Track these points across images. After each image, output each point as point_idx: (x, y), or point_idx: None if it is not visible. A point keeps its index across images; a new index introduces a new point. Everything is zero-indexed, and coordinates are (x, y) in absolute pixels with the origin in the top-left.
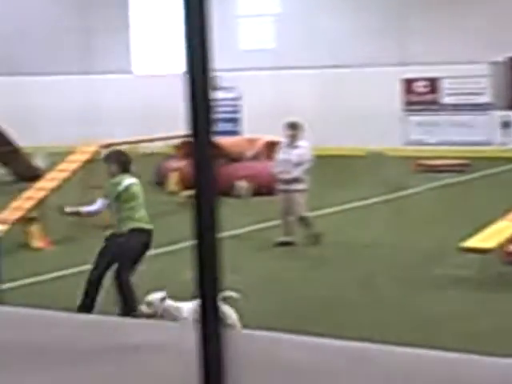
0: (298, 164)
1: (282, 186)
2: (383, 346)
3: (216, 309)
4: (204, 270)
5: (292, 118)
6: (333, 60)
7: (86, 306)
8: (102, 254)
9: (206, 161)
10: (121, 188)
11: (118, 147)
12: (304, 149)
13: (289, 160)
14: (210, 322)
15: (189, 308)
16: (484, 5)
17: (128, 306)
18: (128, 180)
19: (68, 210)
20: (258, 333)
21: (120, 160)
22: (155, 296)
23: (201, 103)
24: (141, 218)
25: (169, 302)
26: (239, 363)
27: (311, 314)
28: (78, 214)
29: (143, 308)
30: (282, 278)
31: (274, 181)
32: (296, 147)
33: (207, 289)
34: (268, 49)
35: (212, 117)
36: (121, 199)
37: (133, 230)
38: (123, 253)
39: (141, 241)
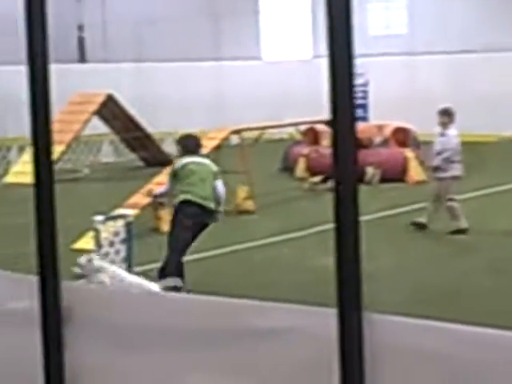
0: (439, 152)
1: (434, 174)
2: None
3: (356, 294)
4: (345, 255)
5: (444, 105)
6: (464, 45)
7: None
8: None
9: (349, 145)
10: (176, 166)
11: (249, 134)
12: (448, 137)
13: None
14: (349, 307)
15: (115, 272)
16: None
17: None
18: (186, 159)
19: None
20: (398, 319)
21: (184, 143)
22: (83, 258)
23: (344, 88)
24: (192, 192)
25: (97, 263)
26: (377, 349)
27: (443, 300)
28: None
29: (75, 269)
30: (416, 263)
31: (401, 167)
32: (442, 135)
33: (348, 274)
34: (397, 34)
35: (354, 102)
36: (177, 177)
37: (182, 203)
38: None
39: (188, 212)
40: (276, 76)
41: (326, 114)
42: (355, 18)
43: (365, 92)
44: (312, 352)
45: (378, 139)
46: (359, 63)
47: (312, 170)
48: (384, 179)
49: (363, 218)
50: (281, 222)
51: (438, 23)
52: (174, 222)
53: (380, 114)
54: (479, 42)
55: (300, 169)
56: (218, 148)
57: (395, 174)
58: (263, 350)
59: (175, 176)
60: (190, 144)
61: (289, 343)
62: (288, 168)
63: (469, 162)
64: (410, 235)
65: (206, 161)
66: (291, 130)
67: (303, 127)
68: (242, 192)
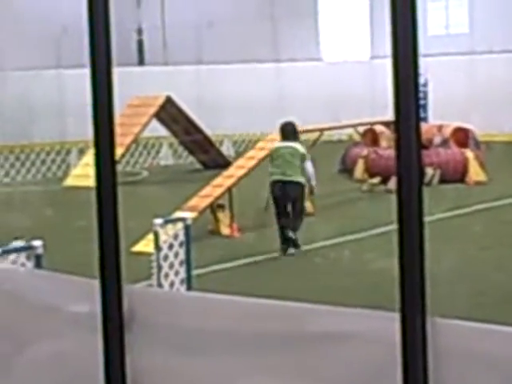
0: None
1: None
2: None
3: (420, 297)
4: (409, 258)
5: None
6: None
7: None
8: None
9: (413, 146)
10: (271, 150)
11: (308, 136)
12: None
13: None
14: (412, 311)
15: None
16: None
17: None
18: (278, 144)
19: None
20: (462, 323)
21: (282, 129)
22: None
23: (408, 89)
24: (275, 173)
25: None
26: (443, 354)
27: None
28: None
29: None
30: (480, 265)
31: (461, 168)
32: None
33: (412, 277)
34: (457, 34)
35: (418, 102)
36: (271, 159)
37: (271, 183)
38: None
39: (273, 190)
40: (335, 77)
41: (384, 115)
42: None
43: (424, 92)
44: (375, 357)
45: (437, 139)
46: (419, 63)
47: (371, 172)
48: (444, 180)
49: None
50: (340, 223)
51: (499, 22)
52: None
53: (440, 114)
54: None
55: (359, 170)
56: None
57: (455, 175)
58: (325, 355)
59: (270, 157)
60: (286, 130)
61: (352, 348)
62: (347, 169)
63: None
64: (472, 236)
65: (295, 145)
66: (350, 131)
67: (362, 128)
68: None
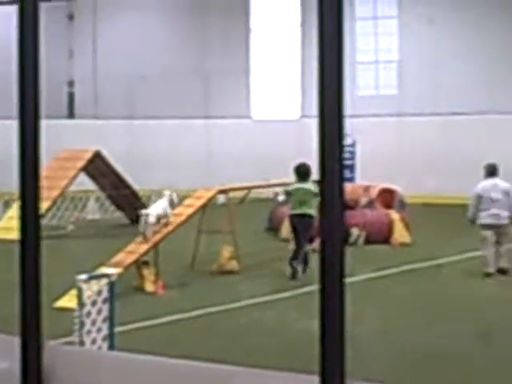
0: None
1: None
2: None
3: (339, 360)
4: (329, 319)
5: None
6: (455, 106)
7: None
8: None
9: (336, 207)
10: (289, 189)
11: (236, 193)
12: None
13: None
14: (331, 374)
15: None
16: None
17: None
18: (295, 184)
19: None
20: None
21: (297, 171)
22: None
23: (332, 149)
24: (295, 207)
25: None
26: None
27: (421, 365)
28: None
29: None
30: (391, 328)
31: (386, 229)
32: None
33: (332, 339)
34: (386, 95)
35: (342, 164)
36: (290, 196)
37: (290, 215)
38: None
39: (292, 221)
40: (264, 135)
41: (313, 175)
42: (345, 77)
43: (352, 153)
44: None
45: (364, 200)
46: (346, 123)
47: None
48: (369, 240)
49: (348, 280)
50: (265, 283)
51: (429, 85)
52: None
53: (367, 175)
54: (470, 104)
55: (285, 229)
56: (204, 207)
57: (380, 236)
58: None
59: (289, 195)
60: (300, 172)
61: None
62: (273, 228)
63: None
64: (395, 298)
65: (308, 185)
66: (278, 189)
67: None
68: (227, 252)
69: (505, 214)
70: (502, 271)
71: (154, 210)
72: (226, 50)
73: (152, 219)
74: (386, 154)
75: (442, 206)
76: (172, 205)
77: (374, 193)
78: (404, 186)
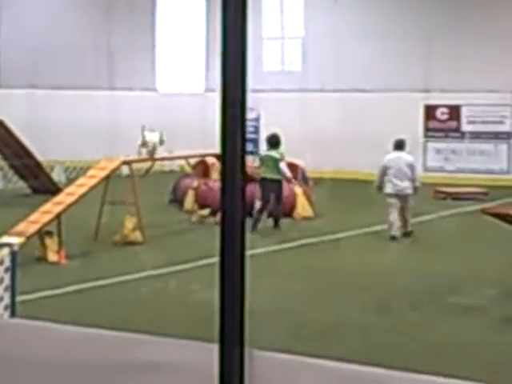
0: None
1: None
2: (393, 372)
3: (239, 329)
4: (229, 290)
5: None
6: (357, 84)
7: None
8: None
9: (237, 180)
10: (261, 156)
11: (140, 165)
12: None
13: None
14: (231, 342)
15: None
16: (510, 35)
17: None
18: (265, 152)
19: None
20: (278, 355)
21: (268, 140)
22: None
23: (234, 123)
24: (265, 172)
25: None
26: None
27: (323, 336)
28: None
29: None
30: (291, 300)
31: (290, 203)
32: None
33: (231, 310)
34: (291, 71)
35: (245, 137)
36: (261, 162)
37: (261, 179)
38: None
39: (262, 184)
40: (169, 108)
41: (216, 148)
42: (250, 53)
43: (256, 127)
44: None
45: None
46: (251, 98)
47: (201, 203)
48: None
49: (250, 253)
50: (168, 254)
51: (332, 61)
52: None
53: None
54: (373, 81)
55: (189, 201)
56: (107, 178)
57: (283, 209)
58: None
59: (261, 161)
60: (271, 141)
61: (170, 377)
62: (177, 200)
63: (352, 200)
64: (296, 270)
65: (274, 152)
66: (182, 162)
67: (194, 160)
68: (130, 223)
69: (408, 184)
70: (406, 234)
71: None
72: (131, 25)
73: None
74: (289, 129)
75: (345, 180)
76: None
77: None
78: (307, 161)
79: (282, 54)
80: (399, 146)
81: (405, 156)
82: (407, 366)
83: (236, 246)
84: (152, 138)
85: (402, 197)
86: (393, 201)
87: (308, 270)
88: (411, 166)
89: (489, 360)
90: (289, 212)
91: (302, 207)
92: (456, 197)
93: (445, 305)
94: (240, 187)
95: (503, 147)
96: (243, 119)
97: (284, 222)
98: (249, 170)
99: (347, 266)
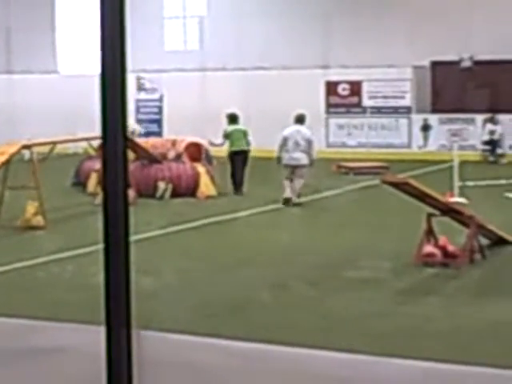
0: None
1: None
2: (287, 348)
3: (125, 311)
4: (113, 272)
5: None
6: (258, 62)
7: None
8: None
9: (118, 162)
10: (227, 130)
11: (41, 147)
12: None
13: None
14: (118, 324)
15: None
16: (408, 9)
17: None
18: (231, 127)
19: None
20: (169, 335)
21: (229, 117)
22: None
23: (114, 104)
24: (234, 145)
25: None
26: (148, 365)
27: (224, 315)
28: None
29: None
30: (194, 279)
31: (193, 182)
32: None
33: (117, 291)
34: (193, 50)
35: (126, 118)
36: (227, 136)
37: (230, 152)
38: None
39: (231, 155)
40: (71, 90)
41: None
42: (152, 33)
43: (159, 107)
44: (83, 369)
45: (171, 154)
46: (154, 78)
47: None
48: (176, 194)
49: (150, 234)
50: (69, 237)
51: (234, 40)
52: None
53: (174, 129)
54: (274, 58)
55: (92, 184)
56: (8, 162)
57: (187, 189)
58: (38, 369)
59: (226, 136)
60: (232, 117)
61: (61, 361)
62: (80, 183)
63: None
64: (192, 251)
65: (240, 126)
66: (85, 144)
67: (97, 142)
68: (32, 207)
69: (304, 156)
70: (296, 204)
71: None
72: (30, 7)
73: None
74: (192, 109)
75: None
76: None
77: (181, 147)
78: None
79: (185, 33)
80: (299, 119)
81: (303, 130)
82: (304, 341)
83: (119, 229)
84: None
85: (297, 167)
86: (288, 171)
87: (210, 249)
88: (308, 140)
89: (384, 331)
90: (192, 191)
91: (206, 186)
92: (358, 171)
93: (343, 279)
94: (122, 171)
95: (404, 122)
96: (123, 101)
97: (187, 201)
98: (153, 151)
99: (249, 243)
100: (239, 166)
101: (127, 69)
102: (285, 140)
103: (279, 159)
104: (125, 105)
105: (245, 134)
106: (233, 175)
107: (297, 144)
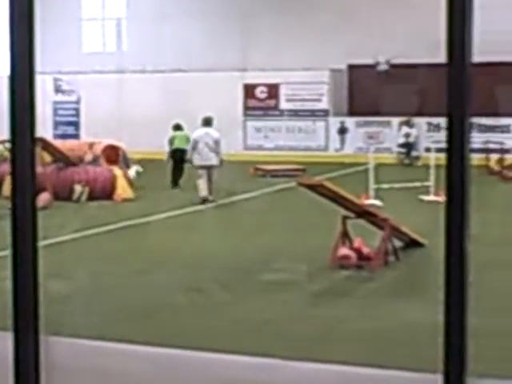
0: None
1: None
2: (200, 353)
3: (33, 316)
4: (21, 278)
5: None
6: (177, 64)
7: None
8: None
9: (26, 165)
10: (171, 135)
11: None
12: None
13: None
14: (25, 330)
15: None
16: (325, 13)
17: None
18: (175, 133)
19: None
20: (80, 341)
21: (174, 126)
22: None
23: (23, 106)
24: (177, 146)
25: None
26: (57, 371)
27: (136, 320)
28: None
29: None
30: (108, 284)
31: (110, 185)
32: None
33: (23, 297)
34: (112, 52)
35: (35, 121)
36: (172, 140)
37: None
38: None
39: (175, 156)
40: None
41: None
42: (70, 35)
43: (76, 109)
44: None
45: (88, 157)
46: (72, 80)
47: None
48: (93, 197)
49: (64, 238)
50: None
51: (153, 42)
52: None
53: (92, 132)
54: (194, 61)
55: (7, 187)
56: None
57: (103, 192)
58: None
59: (171, 140)
60: (176, 127)
61: None
62: None
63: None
64: (104, 255)
65: (184, 133)
66: (1, 147)
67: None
68: None
69: (213, 156)
70: (211, 201)
71: None
72: None
73: None
74: (110, 111)
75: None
76: None
77: (98, 149)
78: (127, 142)
79: (104, 35)
80: (207, 122)
81: (212, 132)
82: (217, 346)
83: (27, 233)
84: None
85: (208, 168)
86: (201, 171)
87: (125, 253)
88: (217, 141)
89: (299, 334)
90: (109, 194)
91: (123, 189)
92: (275, 174)
93: (258, 282)
94: (30, 174)
95: (321, 124)
96: (32, 103)
97: (104, 204)
98: (70, 154)
99: (165, 246)
100: (179, 163)
101: (37, 70)
102: (195, 142)
103: (190, 161)
104: (33, 107)
105: (187, 138)
106: (173, 171)
107: (207, 145)
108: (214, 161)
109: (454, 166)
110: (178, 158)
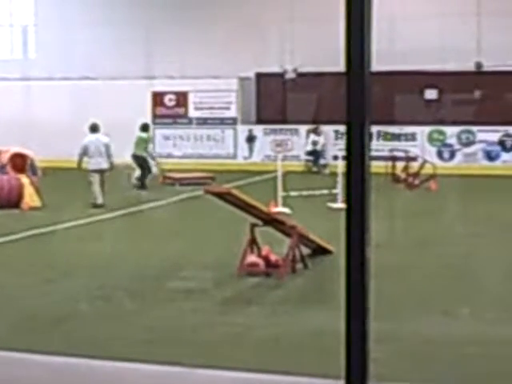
0: None
1: None
2: (108, 362)
3: None
4: None
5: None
6: (85, 72)
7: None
8: None
9: None
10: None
11: None
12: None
13: None
14: None
15: None
16: (234, 21)
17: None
18: (138, 134)
19: None
20: None
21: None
22: None
23: None
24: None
25: None
26: None
27: (44, 329)
28: None
29: None
30: (12, 293)
31: (17, 193)
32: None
33: None
34: (18, 59)
35: None
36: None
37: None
38: None
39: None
40: None
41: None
42: None
43: None
44: None
45: None
46: None
47: None
48: (0, 205)
49: None
50: None
51: (62, 50)
52: None
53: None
54: (101, 69)
55: None
56: None
57: (10, 200)
58: None
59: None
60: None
61: None
62: None
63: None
64: (19, 263)
65: (145, 134)
66: None
67: None
68: None
69: (104, 160)
70: (99, 206)
71: None
72: None
73: None
74: (17, 119)
75: (74, 169)
76: None
77: (5, 157)
78: (35, 150)
79: (11, 42)
80: (94, 128)
81: (101, 137)
82: (126, 354)
83: None
84: None
85: (100, 172)
86: (94, 175)
87: (31, 262)
88: (107, 146)
89: (206, 341)
90: (16, 203)
91: (30, 197)
92: (183, 182)
93: (166, 290)
94: None
95: (229, 132)
96: None
97: (11, 212)
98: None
99: (72, 255)
100: (143, 167)
101: None
102: (86, 148)
103: (79, 166)
104: None
105: (145, 140)
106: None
107: (97, 150)
108: (105, 165)
109: (354, 173)
110: (140, 161)
